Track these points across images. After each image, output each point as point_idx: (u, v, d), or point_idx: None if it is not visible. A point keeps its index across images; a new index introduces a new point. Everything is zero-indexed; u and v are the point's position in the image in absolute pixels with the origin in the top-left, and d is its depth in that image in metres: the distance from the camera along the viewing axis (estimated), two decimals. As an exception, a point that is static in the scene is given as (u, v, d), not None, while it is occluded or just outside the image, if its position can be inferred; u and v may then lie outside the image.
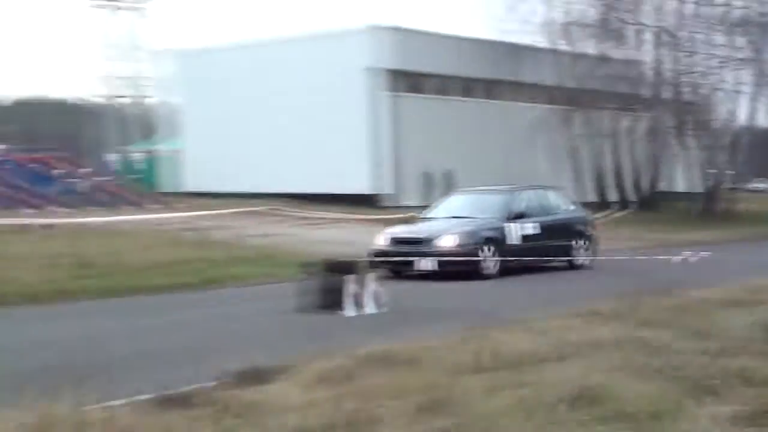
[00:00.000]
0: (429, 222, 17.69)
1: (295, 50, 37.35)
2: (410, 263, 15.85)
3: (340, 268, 12.25)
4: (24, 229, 20.18)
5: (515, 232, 16.89)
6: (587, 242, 18.56)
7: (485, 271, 16.07)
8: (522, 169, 33.79)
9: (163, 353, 9.24)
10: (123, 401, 6.02)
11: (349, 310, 11.65)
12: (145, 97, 60.81)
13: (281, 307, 12.10)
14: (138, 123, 59.50)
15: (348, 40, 36.53)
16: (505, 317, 9.47)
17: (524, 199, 18.01)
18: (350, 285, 11.80)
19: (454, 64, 37.63)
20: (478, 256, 15.93)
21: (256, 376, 6.63)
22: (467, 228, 16.56)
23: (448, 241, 16.05)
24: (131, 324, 11.52)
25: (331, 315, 11.47)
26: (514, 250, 16.68)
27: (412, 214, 20.52)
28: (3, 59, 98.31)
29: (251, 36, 59.68)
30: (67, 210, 30.09)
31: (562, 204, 19.36)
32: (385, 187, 35.79)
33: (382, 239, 16.58)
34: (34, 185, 35.32)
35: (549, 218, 17.98)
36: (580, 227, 18.78)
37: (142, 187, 40.29)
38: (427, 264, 15.79)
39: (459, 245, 16.02)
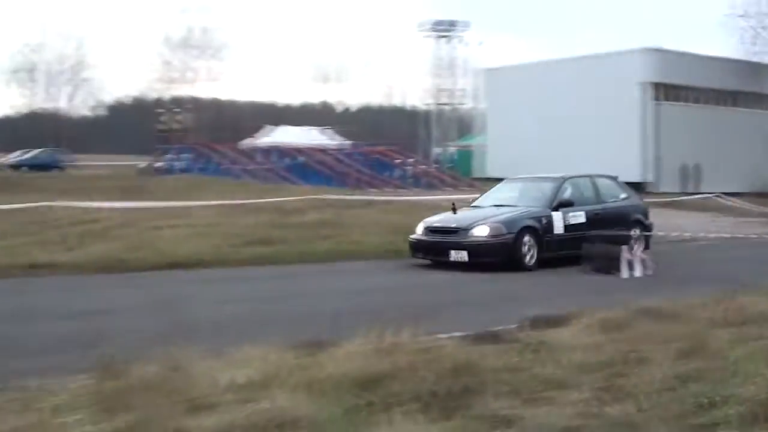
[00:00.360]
0: (471, 210, 13.65)
1: (581, 67, 37.84)
2: (445, 253, 12.30)
3: (615, 239, 12.28)
4: (369, 204, 21.27)
5: (559, 221, 12.75)
6: (644, 231, 14.07)
7: (524, 263, 12.14)
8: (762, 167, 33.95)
9: (471, 302, 9.53)
10: (446, 335, 6.27)
11: (624, 273, 11.40)
12: (461, 104, 62.79)
13: (566, 271, 12.06)
14: (455, 124, 61.40)
15: (624, 59, 36.79)
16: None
17: (572, 187, 13.64)
18: (624, 252, 11.57)
19: (706, 78, 37.39)
20: (515, 247, 12.08)
21: (549, 322, 6.74)
22: (504, 217, 12.57)
23: (481, 231, 12.17)
24: (443, 277, 11.67)
25: (608, 277, 11.33)
26: (559, 241, 12.68)
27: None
28: (354, 74, 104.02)
29: (541, 56, 59.83)
30: (401, 190, 31.61)
31: (618, 192, 14.61)
32: (649, 177, 35.26)
33: (420, 228, 12.80)
34: (377, 171, 37.38)
35: (600, 207, 13.65)
36: (637, 216, 14.29)
37: (457, 173, 41.35)
38: (458, 255, 12.13)
39: (493, 236, 12.14)
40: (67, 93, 60.16)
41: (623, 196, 14.61)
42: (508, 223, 12.31)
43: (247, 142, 48.86)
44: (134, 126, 65.14)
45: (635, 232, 13.71)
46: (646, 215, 14.65)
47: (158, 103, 57.92)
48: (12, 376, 5.03)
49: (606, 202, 13.92)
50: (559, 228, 12.72)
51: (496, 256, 12.11)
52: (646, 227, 14.28)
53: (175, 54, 57.07)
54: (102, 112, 72.52)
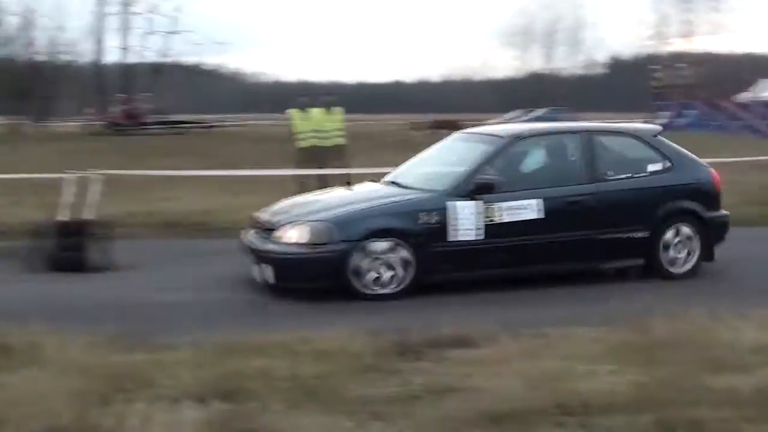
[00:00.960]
0: (348, 191, 7.96)
1: None
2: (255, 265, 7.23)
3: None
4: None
5: (467, 218, 6.95)
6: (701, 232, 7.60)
7: (366, 290, 6.74)
8: None
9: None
10: None
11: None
12: None
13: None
14: None
15: None
16: None
17: (529, 155, 7.78)
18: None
19: None
20: (344, 265, 6.68)
21: None
22: (340, 211, 7.11)
23: (292, 235, 6.92)
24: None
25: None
26: (464, 253, 6.99)
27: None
28: None
29: None
30: None
31: (643, 161, 7.77)
32: None
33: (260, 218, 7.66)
34: None
35: (590, 188, 7.41)
36: (685, 204, 7.66)
37: None
38: (264, 272, 7.00)
39: (309, 243, 6.85)
40: (563, 52, 62.74)
41: (655, 167, 7.79)
42: (343, 221, 6.94)
43: (745, 96, 45.61)
44: (630, 83, 64.91)
45: (674, 232, 7.59)
46: (708, 199, 7.86)
47: (653, 59, 56.94)
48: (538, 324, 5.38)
49: (606, 180, 7.56)
50: (466, 230, 7.02)
51: (313, 278, 6.90)
52: (707, 222, 7.71)
53: (673, 7, 55.54)
54: (598, 70, 73.73)
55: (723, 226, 7.91)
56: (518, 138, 7.78)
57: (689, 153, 8.15)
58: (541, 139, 8.05)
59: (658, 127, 9.76)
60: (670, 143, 8.11)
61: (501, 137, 7.76)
